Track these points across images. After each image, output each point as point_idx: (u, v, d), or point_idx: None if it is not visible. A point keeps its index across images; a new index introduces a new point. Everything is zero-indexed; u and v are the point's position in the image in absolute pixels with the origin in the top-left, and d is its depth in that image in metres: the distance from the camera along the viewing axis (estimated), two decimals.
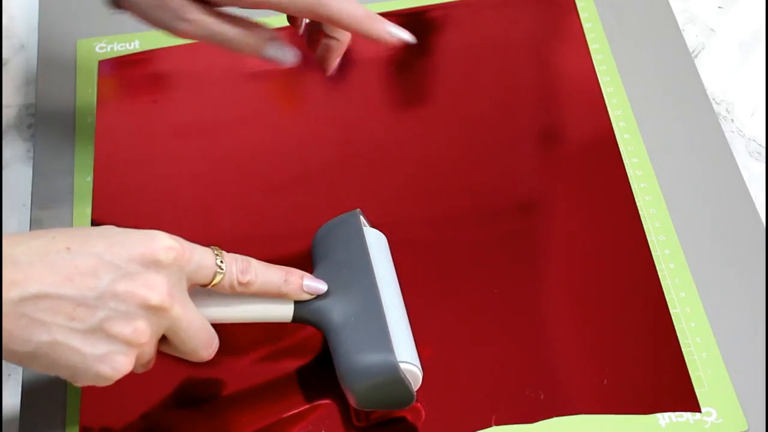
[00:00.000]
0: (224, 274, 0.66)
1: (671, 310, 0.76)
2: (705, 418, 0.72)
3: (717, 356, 0.74)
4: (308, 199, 0.83)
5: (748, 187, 0.83)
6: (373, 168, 0.85)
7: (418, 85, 0.91)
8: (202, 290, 0.67)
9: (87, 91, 0.89)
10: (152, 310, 0.62)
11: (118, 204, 0.83)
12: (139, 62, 0.91)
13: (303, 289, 0.69)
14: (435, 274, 0.79)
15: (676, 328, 0.75)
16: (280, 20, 0.78)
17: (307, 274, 0.69)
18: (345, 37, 0.76)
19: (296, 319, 0.70)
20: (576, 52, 0.91)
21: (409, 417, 0.72)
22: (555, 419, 0.72)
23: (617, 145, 0.85)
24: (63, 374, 0.63)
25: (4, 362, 0.62)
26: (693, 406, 0.72)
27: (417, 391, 0.69)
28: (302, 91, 0.91)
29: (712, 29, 0.95)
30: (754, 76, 0.91)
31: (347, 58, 0.90)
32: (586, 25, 0.92)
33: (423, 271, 0.79)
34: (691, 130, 0.86)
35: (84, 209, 0.83)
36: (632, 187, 0.82)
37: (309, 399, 0.73)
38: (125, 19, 0.74)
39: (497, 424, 0.72)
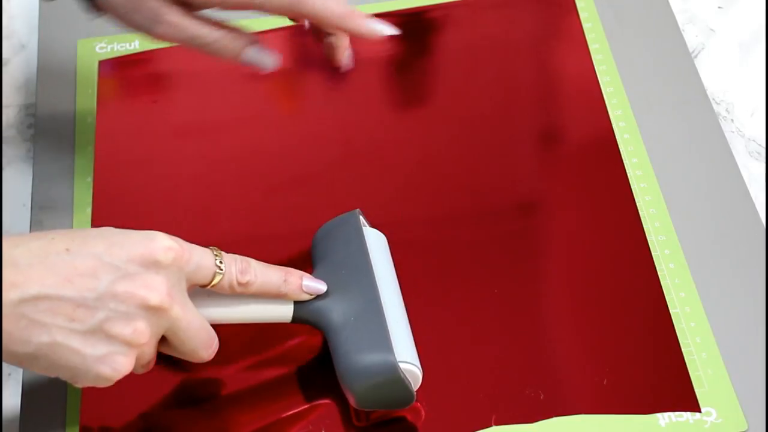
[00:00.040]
0: (223, 274, 0.66)
1: (671, 310, 0.76)
2: (705, 418, 0.72)
3: (717, 356, 0.74)
4: (308, 199, 0.83)
5: (748, 187, 0.83)
6: (373, 168, 0.85)
7: (418, 85, 0.91)
8: (201, 291, 0.67)
9: (87, 91, 0.89)
10: (152, 310, 0.62)
11: (118, 204, 0.83)
12: (139, 62, 0.91)
13: (302, 290, 0.69)
14: (435, 274, 0.79)
15: (675, 328, 0.75)
16: (282, 20, 0.78)
17: (307, 275, 0.69)
18: (342, 33, 0.76)
19: (296, 319, 0.70)
20: (576, 52, 0.91)
21: (409, 417, 0.72)
22: (555, 419, 0.72)
23: (617, 145, 0.85)
24: (63, 375, 0.63)
25: (3, 362, 0.62)
26: (693, 406, 0.72)
27: (417, 391, 0.69)
28: (302, 91, 0.91)
29: (712, 29, 0.95)
30: (753, 76, 0.91)
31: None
32: (586, 25, 0.92)
33: (423, 271, 0.79)
34: (691, 130, 0.86)
35: (84, 209, 0.83)
36: (632, 187, 0.82)
37: (309, 399, 0.73)
38: None
39: (497, 424, 0.72)
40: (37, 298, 0.59)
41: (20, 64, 0.95)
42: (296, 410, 0.73)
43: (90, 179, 0.84)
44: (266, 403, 0.73)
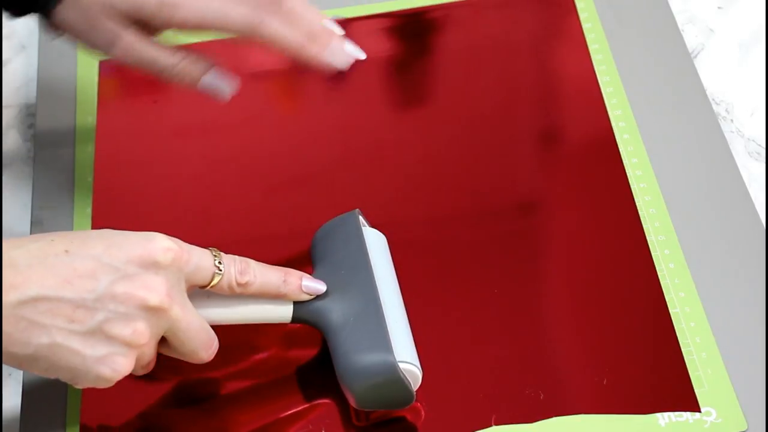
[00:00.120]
0: (223, 275, 0.66)
1: (671, 310, 0.76)
2: (705, 418, 0.72)
3: (716, 356, 0.74)
4: (308, 199, 0.83)
5: (748, 187, 0.83)
6: (373, 168, 0.85)
7: (419, 85, 0.91)
8: (201, 292, 0.67)
9: (87, 92, 0.89)
10: (151, 311, 0.62)
11: (119, 204, 0.83)
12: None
13: (302, 290, 0.69)
14: (435, 274, 0.79)
15: (675, 328, 0.75)
16: None
17: (306, 275, 0.69)
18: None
19: (295, 319, 0.70)
20: (576, 52, 0.91)
21: (409, 417, 0.72)
22: (555, 419, 0.72)
23: (617, 145, 0.85)
24: (63, 376, 0.63)
25: (4, 364, 0.62)
26: (692, 405, 0.72)
27: (417, 391, 0.69)
28: (302, 91, 0.91)
29: (711, 29, 0.95)
30: (753, 77, 0.91)
31: None
32: (586, 25, 0.92)
33: (423, 271, 0.79)
34: (691, 131, 0.86)
35: (84, 209, 0.83)
36: (632, 187, 0.82)
37: (309, 398, 0.73)
38: None
39: (497, 424, 0.72)
40: (36, 300, 0.59)
41: (20, 64, 0.95)
42: (296, 410, 0.73)
43: (90, 179, 0.84)
44: (266, 403, 0.73)
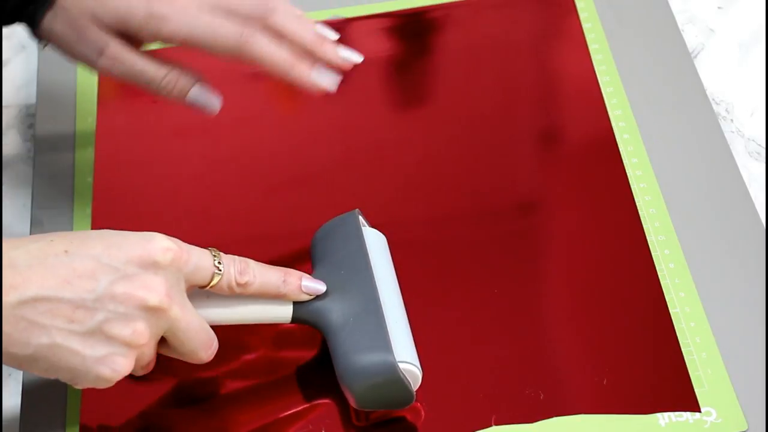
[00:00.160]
0: (222, 275, 0.66)
1: (671, 310, 0.76)
2: (705, 418, 0.72)
3: (717, 356, 0.74)
4: (308, 199, 0.83)
5: (748, 187, 0.83)
6: (373, 168, 0.85)
7: (419, 85, 0.91)
8: (200, 292, 0.67)
9: (87, 92, 0.89)
10: (151, 311, 0.62)
11: (118, 204, 0.83)
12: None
13: (302, 290, 0.69)
14: (435, 274, 0.79)
15: (675, 328, 0.75)
16: None
17: (306, 275, 0.69)
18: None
19: (295, 319, 0.70)
20: (576, 52, 0.91)
21: (409, 417, 0.72)
22: (555, 419, 0.72)
23: (617, 145, 0.85)
24: (63, 377, 0.63)
25: (3, 364, 0.62)
26: (693, 406, 0.72)
27: (417, 391, 0.69)
28: (302, 91, 0.91)
29: (711, 29, 0.95)
30: (753, 77, 0.91)
31: None
32: (586, 25, 0.92)
33: (423, 271, 0.79)
34: (691, 130, 0.86)
35: (84, 209, 0.83)
36: (632, 187, 0.82)
37: (308, 398, 0.73)
38: None
39: (497, 424, 0.72)
40: (36, 300, 0.59)
41: (20, 64, 0.95)
42: (296, 410, 0.73)
43: (90, 179, 0.84)
44: (266, 403, 0.73)
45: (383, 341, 0.68)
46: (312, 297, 0.69)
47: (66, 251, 0.61)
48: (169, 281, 0.63)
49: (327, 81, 0.74)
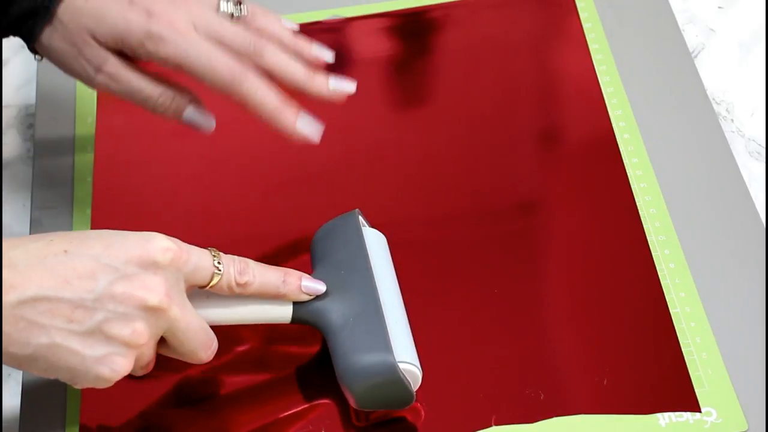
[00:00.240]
0: (222, 275, 0.66)
1: (671, 310, 0.76)
2: (705, 418, 0.72)
3: (717, 356, 0.74)
4: (308, 199, 0.83)
5: (748, 187, 0.83)
6: (373, 168, 0.85)
7: (419, 85, 0.91)
8: (200, 292, 0.67)
9: (87, 92, 0.89)
10: (150, 311, 0.62)
11: (118, 204, 0.83)
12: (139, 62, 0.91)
13: (301, 290, 0.69)
14: (435, 274, 0.79)
15: (676, 328, 0.75)
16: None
17: (306, 275, 0.69)
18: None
19: (295, 320, 0.70)
20: (576, 52, 0.91)
21: (409, 417, 0.72)
22: (555, 419, 0.72)
23: (617, 145, 0.85)
24: (62, 377, 0.63)
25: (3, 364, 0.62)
26: (693, 406, 0.72)
27: (417, 391, 0.69)
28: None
29: (712, 29, 0.95)
30: (753, 76, 0.91)
31: (347, 58, 0.91)
32: (586, 25, 0.92)
33: (423, 271, 0.79)
34: (691, 130, 0.86)
35: (84, 209, 0.83)
36: (632, 187, 0.82)
37: (309, 398, 0.73)
38: None
39: (497, 424, 0.72)
40: (35, 300, 0.59)
41: (20, 64, 0.95)
42: (296, 410, 0.73)
43: (89, 179, 0.84)
44: (266, 403, 0.73)
45: (383, 341, 0.68)
46: (312, 297, 0.69)
47: (65, 251, 0.61)
48: (168, 281, 0.63)
49: (310, 131, 0.74)
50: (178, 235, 0.65)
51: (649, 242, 0.79)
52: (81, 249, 0.61)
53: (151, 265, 0.62)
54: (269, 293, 0.68)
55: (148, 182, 0.85)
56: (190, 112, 0.73)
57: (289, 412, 0.72)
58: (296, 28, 0.76)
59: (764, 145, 0.87)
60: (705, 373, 0.73)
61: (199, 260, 0.65)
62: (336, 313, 0.69)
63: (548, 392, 0.73)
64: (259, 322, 0.69)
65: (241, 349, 0.75)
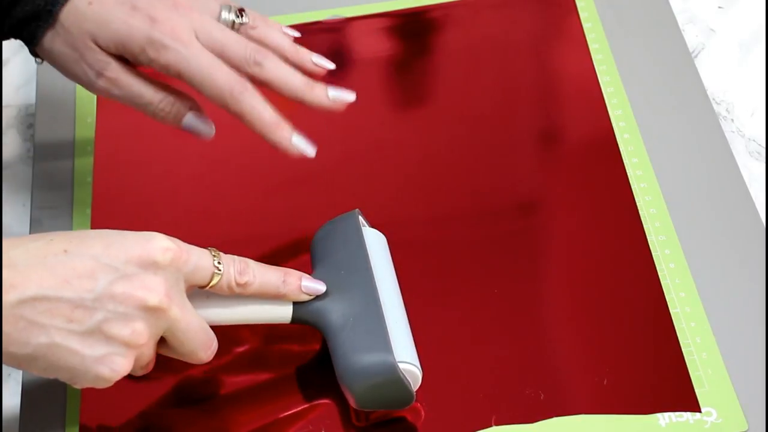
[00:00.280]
0: (222, 275, 0.66)
1: (671, 310, 0.76)
2: (705, 418, 0.72)
3: (717, 356, 0.74)
4: (308, 199, 0.83)
5: (748, 187, 0.83)
6: (373, 168, 0.85)
7: (419, 85, 0.91)
8: (200, 292, 0.67)
9: (87, 92, 0.89)
10: (150, 311, 0.62)
11: (118, 204, 0.83)
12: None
13: (301, 290, 0.69)
14: (435, 274, 0.79)
15: (676, 328, 0.75)
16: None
17: (306, 275, 0.69)
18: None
19: (295, 320, 0.70)
20: (576, 52, 0.91)
21: (409, 417, 0.72)
22: (555, 419, 0.72)
23: (617, 145, 0.85)
24: (62, 376, 0.63)
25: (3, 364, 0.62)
26: (693, 406, 0.72)
27: (417, 391, 0.69)
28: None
29: (712, 29, 0.95)
30: (754, 76, 0.91)
31: (347, 58, 0.90)
32: (586, 25, 0.92)
33: (423, 271, 0.79)
34: (691, 130, 0.86)
35: (84, 209, 0.83)
36: (632, 187, 0.82)
37: (308, 398, 0.73)
38: None
39: (497, 424, 0.72)
40: (35, 300, 0.59)
41: (20, 64, 0.95)
42: (296, 410, 0.73)
43: (89, 179, 0.84)
44: (266, 403, 0.73)
45: (383, 341, 0.68)
46: (312, 297, 0.69)
47: (65, 251, 0.61)
48: (168, 281, 0.63)
49: (305, 147, 0.74)
50: (178, 235, 0.65)
51: (649, 242, 0.79)
52: (81, 249, 0.61)
53: (151, 265, 0.62)
54: (269, 293, 0.68)
55: (148, 182, 0.85)
56: (190, 119, 0.73)
57: (289, 412, 0.72)
58: (297, 35, 0.76)
59: (764, 145, 0.87)
60: (705, 373, 0.73)
61: (199, 260, 0.65)
62: (336, 313, 0.69)
63: (548, 392, 0.73)
64: (259, 322, 0.69)
65: (241, 349, 0.75)
